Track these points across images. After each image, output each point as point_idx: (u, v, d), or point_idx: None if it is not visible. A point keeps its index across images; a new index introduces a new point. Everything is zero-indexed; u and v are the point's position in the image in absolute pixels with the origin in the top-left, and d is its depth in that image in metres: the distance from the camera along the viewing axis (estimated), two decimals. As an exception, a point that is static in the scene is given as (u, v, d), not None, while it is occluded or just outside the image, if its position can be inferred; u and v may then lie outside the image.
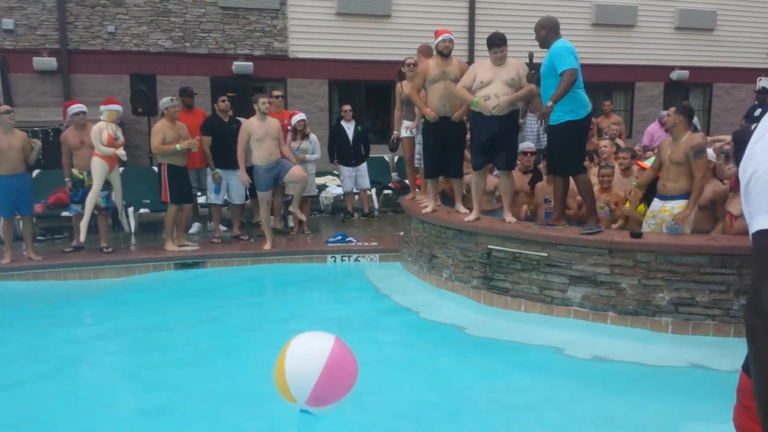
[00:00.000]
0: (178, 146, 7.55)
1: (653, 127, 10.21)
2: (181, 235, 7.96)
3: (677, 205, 5.59)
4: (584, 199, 6.04)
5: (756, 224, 1.12)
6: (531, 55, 6.09)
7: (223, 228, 8.57)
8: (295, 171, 7.92)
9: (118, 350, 5.47)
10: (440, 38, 6.66)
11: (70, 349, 5.25)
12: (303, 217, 8.31)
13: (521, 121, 7.10)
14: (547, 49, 5.75)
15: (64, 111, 7.94)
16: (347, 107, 9.79)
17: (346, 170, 9.53)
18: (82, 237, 7.62)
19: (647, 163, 6.25)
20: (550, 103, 5.57)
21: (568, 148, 5.79)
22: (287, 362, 3.08)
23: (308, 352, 3.12)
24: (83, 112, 7.70)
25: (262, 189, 7.85)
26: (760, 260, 1.12)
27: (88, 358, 5.15)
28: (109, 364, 5.13)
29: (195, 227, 8.97)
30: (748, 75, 14.74)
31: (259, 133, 7.72)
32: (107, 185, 7.75)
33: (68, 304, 6.55)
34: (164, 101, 7.84)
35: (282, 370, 3.07)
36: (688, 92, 14.97)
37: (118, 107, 7.77)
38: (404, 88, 7.84)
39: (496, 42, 5.96)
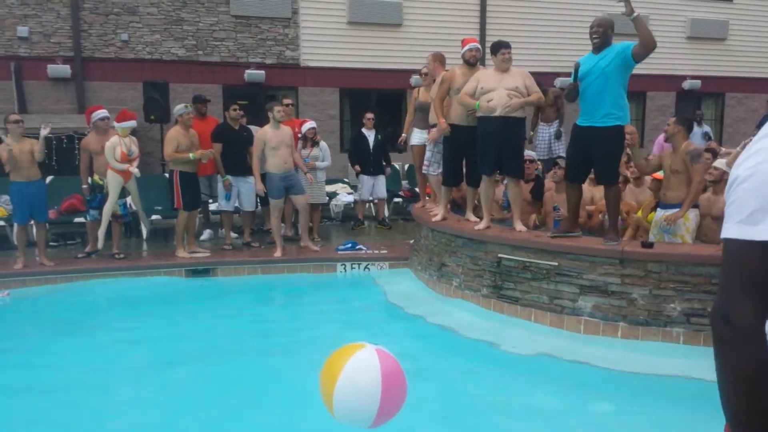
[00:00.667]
0: (191, 155, 7.61)
1: (662, 139, 10.20)
2: (191, 241, 8.00)
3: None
4: (609, 210, 5.81)
5: (723, 231, 1.15)
6: (576, 70, 5.66)
7: (234, 235, 8.60)
8: (300, 199, 7.98)
9: (129, 353, 5.50)
10: (467, 47, 6.65)
11: (79, 353, 5.29)
12: (316, 248, 8.18)
13: (531, 133, 7.08)
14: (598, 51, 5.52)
15: (88, 116, 8.00)
16: (370, 115, 9.83)
17: (365, 178, 9.57)
18: (100, 244, 7.67)
19: (661, 174, 6.23)
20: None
21: (615, 155, 5.61)
22: (336, 409, 2.64)
23: (360, 393, 2.63)
24: (107, 118, 7.82)
25: (274, 197, 7.87)
26: (724, 269, 1.15)
27: (96, 363, 5.18)
28: (117, 366, 5.15)
29: (206, 234, 9.02)
30: (761, 85, 14.68)
31: (273, 141, 7.75)
32: (124, 191, 7.82)
33: (79, 309, 6.59)
34: (178, 108, 7.89)
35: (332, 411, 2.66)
36: (700, 102, 14.92)
37: (131, 123, 7.75)
38: (420, 94, 7.84)
39: (501, 44, 5.99)
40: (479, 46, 6.70)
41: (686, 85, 14.41)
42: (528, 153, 7.37)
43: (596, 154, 5.57)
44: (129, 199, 8.00)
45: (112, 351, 5.40)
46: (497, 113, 5.91)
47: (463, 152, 6.69)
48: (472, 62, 6.61)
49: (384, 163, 9.77)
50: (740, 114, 14.61)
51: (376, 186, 9.67)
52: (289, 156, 7.89)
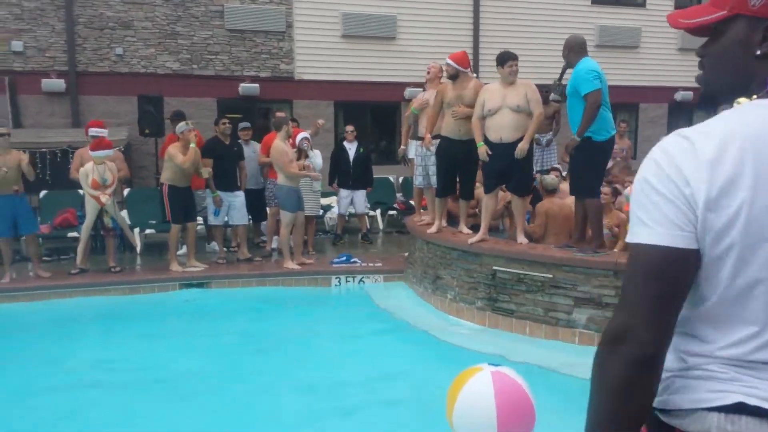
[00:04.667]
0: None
1: None
2: (192, 255, 7.97)
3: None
4: (590, 223, 5.91)
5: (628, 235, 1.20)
6: (564, 70, 6.06)
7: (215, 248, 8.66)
8: (299, 216, 7.99)
9: (119, 369, 5.46)
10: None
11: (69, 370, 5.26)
12: (297, 266, 8.00)
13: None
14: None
15: (86, 130, 8.16)
16: (350, 128, 9.81)
17: (343, 192, 9.47)
18: (79, 260, 7.67)
19: None
20: (576, 138, 5.58)
21: (584, 168, 5.72)
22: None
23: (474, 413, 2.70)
24: (98, 137, 7.84)
25: (289, 209, 7.79)
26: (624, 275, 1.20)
27: (85, 379, 5.15)
28: (107, 385, 5.12)
29: (214, 245, 8.97)
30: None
31: (290, 154, 7.85)
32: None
33: (72, 324, 6.56)
34: (180, 125, 7.88)
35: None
36: (693, 114, 15.00)
37: (106, 153, 7.63)
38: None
39: (506, 57, 6.01)
40: (448, 62, 6.60)
41: (678, 96, 14.49)
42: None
43: (571, 166, 5.84)
44: (121, 213, 8.00)
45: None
46: (504, 141, 6.00)
47: (455, 165, 6.72)
48: (448, 77, 6.69)
49: (366, 181, 9.62)
50: (733, 125, 14.67)
51: (356, 200, 9.50)
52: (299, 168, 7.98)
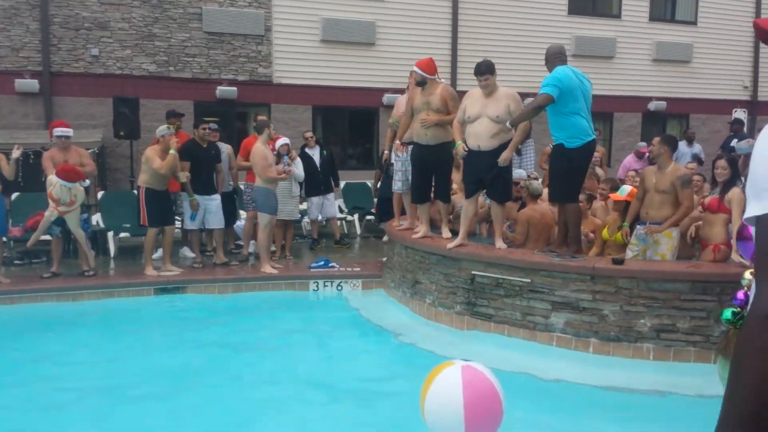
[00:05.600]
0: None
1: (629, 160, 10.39)
2: (167, 259, 7.87)
3: (661, 233, 5.72)
4: (569, 228, 5.96)
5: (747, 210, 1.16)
6: None
7: (191, 255, 8.59)
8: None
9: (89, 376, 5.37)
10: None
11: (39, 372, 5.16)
12: (274, 271, 7.95)
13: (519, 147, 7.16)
14: None
15: (51, 131, 7.87)
16: (309, 134, 9.70)
17: (313, 199, 9.39)
18: (30, 244, 7.53)
19: (619, 194, 6.33)
20: (508, 125, 5.84)
21: (558, 174, 5.82)
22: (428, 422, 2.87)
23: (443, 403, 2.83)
24: (66, 137, 7.64)
25: (267, 211, 7.78)
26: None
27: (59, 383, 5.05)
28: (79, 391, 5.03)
29: (186, 250, 8.88)
30: (724, 106, 15.07)
31: (270, 158, 7.84)
32: (86, 209, 7.70)
33: (43, 329, 6.43)
34: (161, 129, 7.78)
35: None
36: (666, 123, 15.26)
37: (74, 185, 7.26)
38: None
39: (481, 70, 6.02)
40: (415, 70, 6.59)
41: (652, 106, 14.73)
42: (519, 174, 7.42)
43: (548, 173, 6.00)
44: (93, 216, 7.83)
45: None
46: (482, 149, 6.05)
47: (426, 169, 6.74)
48: (416, 84, 6.66)
49: (333, 183, 9.58)
50: (704, 135, 14.93)
51: (326, 205, 9.47)
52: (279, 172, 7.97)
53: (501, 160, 5.97)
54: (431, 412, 2.81)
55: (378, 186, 9.73)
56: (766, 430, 1.05)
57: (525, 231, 6.50)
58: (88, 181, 7.54)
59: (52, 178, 7.28)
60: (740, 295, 1.94)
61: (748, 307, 1.11)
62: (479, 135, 6.05)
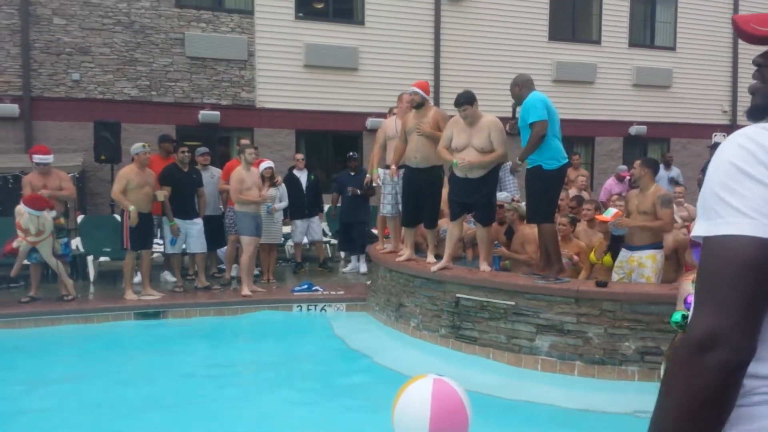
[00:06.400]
0: (131, 207, 7.41)
1: (610, 183, 10.49)
2: (147, 283, 7.75)
3: (645, 255, 5.71)
4: (548, 249, 5.97)
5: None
6: (514, 108, 6.18)
7: (172, 279, 8.47)
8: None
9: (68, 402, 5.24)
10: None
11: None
12: (249, 293, 7.89)
13: (518, 162, 7.20)
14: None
15: (30, 156, 7.77)
16: (300, 156, 9.79)
17: (298, 222, 9.38)
18: (13, 272, 7.43)
19: (606, 216, 6.34)
20: (518, 161, 5.72)
21: (535, 195, 5.84)
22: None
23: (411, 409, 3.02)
24: (45, 164, 7.55)
25: (248, 233, 7.76)
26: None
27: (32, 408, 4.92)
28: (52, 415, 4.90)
29: (167, 274, 8.76)
30: (704, 130, 15.27)
31: (248, 182, 7.80)
32: (66, 233, 7.60)
33: (21, 354, 6.28)
34: (136, 147, 7.72)
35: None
36: (647, 147, 15.42)
37: (39, 213, 7.16)
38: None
39: (460, 101, 6.05)
40: (415, 89, 6.68)
41: (633, 130, 14.88)
42: (505, 197, 7.43)
43: (526, 195, 6.03)
44: (73, 241, 7.71)
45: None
46: (469, 177, 6.08)
47: (416, 194, 6.73)
48: (413, 106, 6.71)
49: (317, 207, 9.64)
50: (684, 159, 15.12)
51: (311, 228, 9.49)
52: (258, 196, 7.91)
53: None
54: (399, 420, 2.96)
55: (334, 211, 9.88)
56: None
57: (536, 249, 6.51)
58: (54, 212, 7.38)
59: (20, 208, 7.19)
60: (690, 299, 1.93)
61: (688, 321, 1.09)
62: (466, 171, 6.09)
